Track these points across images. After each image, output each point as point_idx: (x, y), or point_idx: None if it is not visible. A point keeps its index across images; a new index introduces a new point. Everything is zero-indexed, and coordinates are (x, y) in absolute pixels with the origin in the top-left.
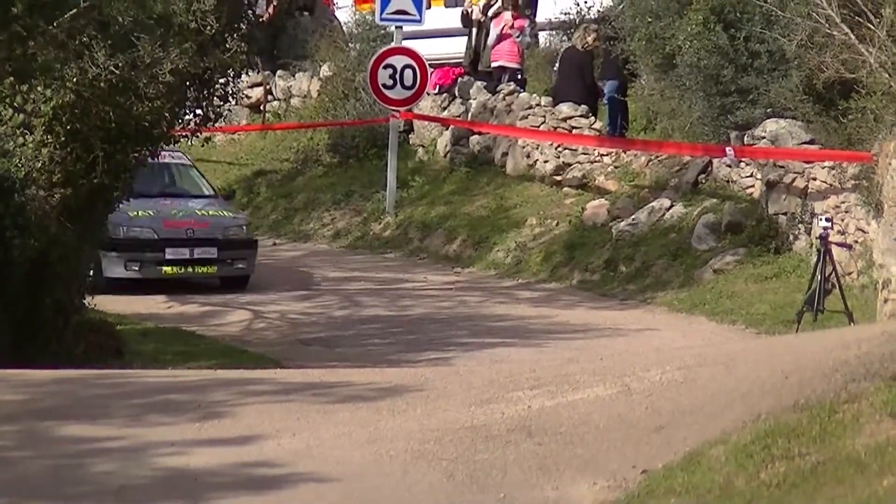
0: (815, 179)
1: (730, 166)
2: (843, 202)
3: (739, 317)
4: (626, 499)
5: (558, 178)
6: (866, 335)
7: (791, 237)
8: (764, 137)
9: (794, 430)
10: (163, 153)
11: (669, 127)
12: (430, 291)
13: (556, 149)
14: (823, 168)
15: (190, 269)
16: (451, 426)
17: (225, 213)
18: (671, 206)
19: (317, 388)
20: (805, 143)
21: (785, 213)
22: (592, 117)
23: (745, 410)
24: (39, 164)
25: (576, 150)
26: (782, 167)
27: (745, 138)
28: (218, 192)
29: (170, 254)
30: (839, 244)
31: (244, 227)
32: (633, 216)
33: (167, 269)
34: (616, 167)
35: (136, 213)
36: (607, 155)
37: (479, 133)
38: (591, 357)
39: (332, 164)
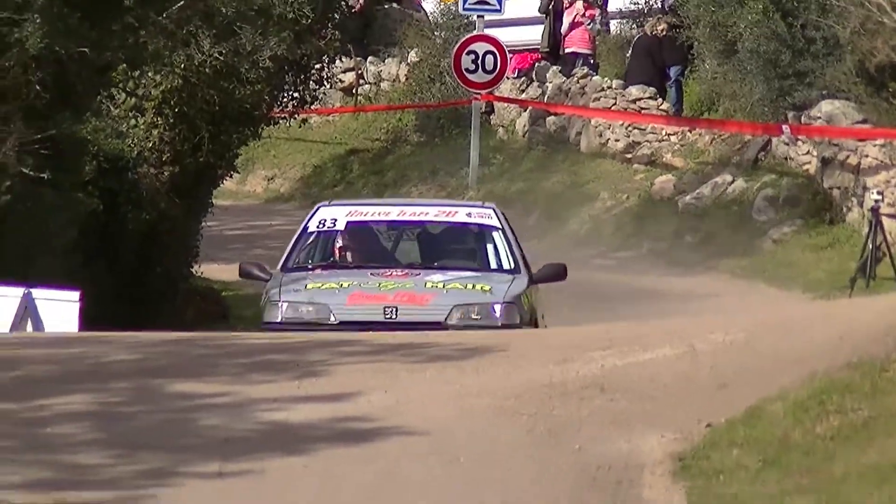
0: (866, 156)
1: (787, 143)
2: (894, 177)
3: (796, 283)
4: (691, 450)
5: (628, 155)
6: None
7: (844, 209)
8: (819, 118)
9: (847, 387)
10: (453, 209)
11: (731, 108)
12: None
13: (626, 128)
14: (875, 146)
15: None
16: (530, 384)
17: (479, 286)
18: (733, 181)
19: (405, 349)
20: (858, 122)
21: (839, 188)
22: (660, 99)
23: (802, 370)
24: (150, 145)
25: (644, 129)
26: (836, 145)
27: (802, 118)
28: (522, 265)
29: None
30: (889, 216)
31: (497, 307)
32: (697, 190)
33: None
34: (682, 145)
35: (317, 283)
36: (674, 134)
37: (555, 114)
38: (659, 320)
39: (419, 143)
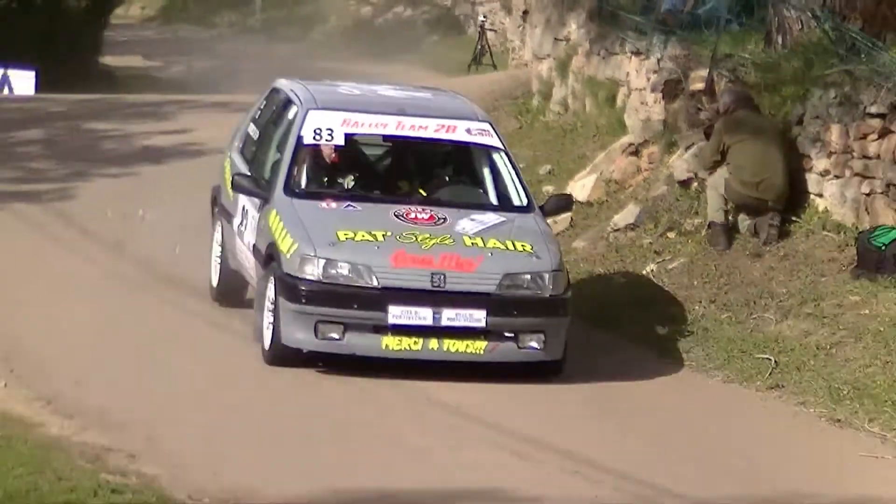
0: None
1: None
2: (494, 6)
3: (440, 68)
4: None
5: None
6: (503, 77)
7: (467, 27)
8: None
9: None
10: (453, 122)
11: None
12: None
13: None
14: None
15: (434, 345)
16: None
17: (518, 244)
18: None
19: (223, 105)
20: None
21: (464, 14)
22: None
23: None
24: None
25: None
26: None
27: None
28: (533, 200)
29: (396, 315)
30: (489, 29)
31: (546, 276)
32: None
33: (389, 341)
34: None
35: (348, 232)
36: None
37: None
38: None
39: None
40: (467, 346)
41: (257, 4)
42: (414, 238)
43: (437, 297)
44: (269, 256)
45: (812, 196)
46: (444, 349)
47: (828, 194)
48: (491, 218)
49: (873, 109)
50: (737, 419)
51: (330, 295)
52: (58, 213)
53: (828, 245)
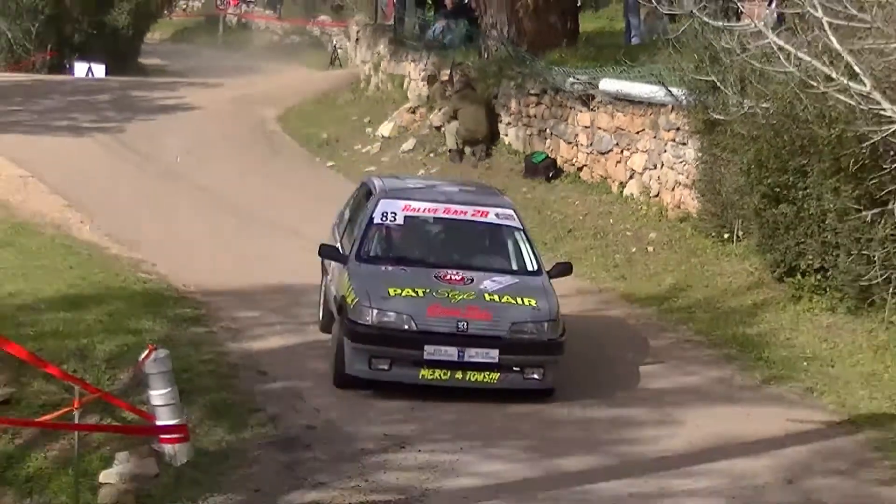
0: None
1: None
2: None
3: (308, 65)
4: (284, 113)
5: None
6: (345, 73)
7: (327, 46)
8: None
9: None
10: (485, 209)
11: None
12: None
13: None
14: None
15: (458, 376)
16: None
17: (526, 300)
18: None
19: (203, 83)
20: None
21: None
22: None
23: (304, 96)
24: None
25: None
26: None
27: None
28: (542, 266)
29: (430, 352)
30: (339, 47)
31: (545, 325)
32: None
33: (425, 371)
34: None
35: (397, 289)
36: None
37: None
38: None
39: None
40: (484, 376)
41: (220, 34)
42: (446, 294)
43: (460, 339)
44: (340, 306)
45: (503, 136)
46: (467, 379)
47: (510, 134)
48: (507, 279)
49: (532, 90)
50: None
51: (381, 336)
52: (118, 140)
53: (510, 162)
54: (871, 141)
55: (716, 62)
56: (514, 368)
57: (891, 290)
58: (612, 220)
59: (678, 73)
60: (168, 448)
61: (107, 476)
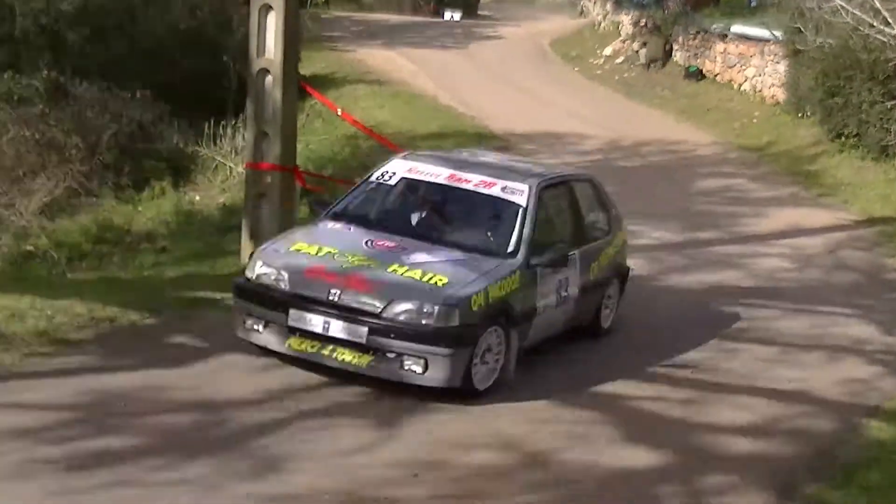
0: None
1: None
2: None
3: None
4: None
5: None
6: (585, 21)
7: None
8: None
9: None
10: (494, 180)
11: None
12: None
13: None
14: None
15: (325, 351)
16: None
17: (436, 277)
18: None
19: None
20: None
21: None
22: None
23: None
24: None
25: None
26: None
27: None
28: (525, 250)
29: (294, 318)
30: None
31: (436, 308)
32: None
33: (293, 341)
34: None
35: (306, 246)
36: None
37: None
38: None
39: None
40: (353, 357)
41: None
42: (348, 258)
43: (329, 309)
44: None
45: (673, 56)
46: (335, 357)
47: (678, 56)
48: (454, 255)
49: (691, 31)
50: None
51: (253, 293)
52: (464, 53)
53: (676, 71)
54: (895, 62)
55: (801, 15)
56: (389, 354)
57: None
58: (733, 105)
59: (778, 21)
60: None
61: None
